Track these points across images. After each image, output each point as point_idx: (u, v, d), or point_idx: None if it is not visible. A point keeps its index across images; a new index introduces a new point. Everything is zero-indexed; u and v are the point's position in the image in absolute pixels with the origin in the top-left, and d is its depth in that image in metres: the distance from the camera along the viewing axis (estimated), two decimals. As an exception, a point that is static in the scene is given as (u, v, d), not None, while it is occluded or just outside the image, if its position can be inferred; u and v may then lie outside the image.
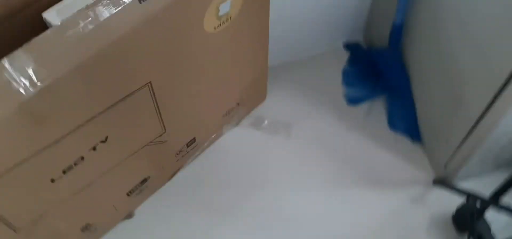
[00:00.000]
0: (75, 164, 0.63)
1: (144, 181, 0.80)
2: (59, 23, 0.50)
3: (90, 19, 0.50)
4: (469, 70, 0.68)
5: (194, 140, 0.84)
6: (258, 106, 0.94)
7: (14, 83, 0.48)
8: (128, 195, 0.79)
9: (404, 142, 0.86)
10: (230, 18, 0.68)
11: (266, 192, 0.83)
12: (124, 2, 0.52)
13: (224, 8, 0.65)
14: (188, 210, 0.83)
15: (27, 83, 0.48)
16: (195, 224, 0.81)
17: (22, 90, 0.48)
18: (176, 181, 0.86)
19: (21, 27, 0.55)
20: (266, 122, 0.91)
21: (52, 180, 0.62)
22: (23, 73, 0.48)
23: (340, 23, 0.99)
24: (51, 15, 0.55)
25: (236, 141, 0.91)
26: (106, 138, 0.64)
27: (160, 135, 0.75)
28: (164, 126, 0.73)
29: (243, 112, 0.90)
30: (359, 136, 0.88)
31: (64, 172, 0.62)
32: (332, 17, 0.96)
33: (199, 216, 0.81)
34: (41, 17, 0.57)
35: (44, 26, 0.57)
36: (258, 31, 0.77)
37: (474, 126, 0.68)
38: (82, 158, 0.63)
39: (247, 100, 0.89)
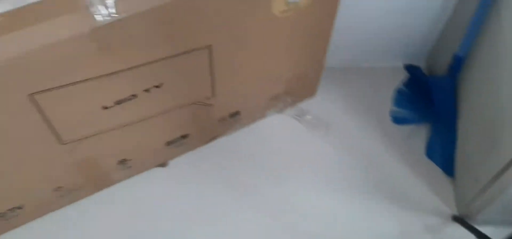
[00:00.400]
0: (128, 99, 0.68)
1: (184, 136, 0.85)
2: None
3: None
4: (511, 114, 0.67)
5: (238, 113, 0.87)
6: (305, 100, 0.96)
7: (93, 8, 0.53)
8: (167, 144, 0.84)
9: (436, 172, 0.86)
10: (298, 7, 0.70)
11: (289, 183, 0.86)
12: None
13: (293, -4, 0.68)
14: (214, 177, 0.87)
15: (104, 12, 0.53)
16: (216, 193, 0.84)
17: (97, 17, 0.53)
18: (212, 147, 0.90)
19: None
20: (308, 116, 0.93)
21: (105, 107, 0.67)
22: (103, 1, 0.53)
23: (406, 44, 0.99)
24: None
25: (276, 127, 0.93)
26: (160, 84, 0.69)
27: (208, 98, 0.78)
28: (213, 90, 0.77)
29: (290, 101, 0.93)
30: (394, 155, 0.88)
31: (116, 103, 0.67)
32: (400, 36, 0.96)
33: (221, 186, 0.85)
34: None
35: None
36: (322, 28, 0.79)
37: (504, 170, 0.68)
38: (135, 96, 0.68)
39: (296, 91, 0.91)
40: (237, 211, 0.82)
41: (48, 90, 0.58)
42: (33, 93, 0.58)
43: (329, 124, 0.93)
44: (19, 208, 0.77)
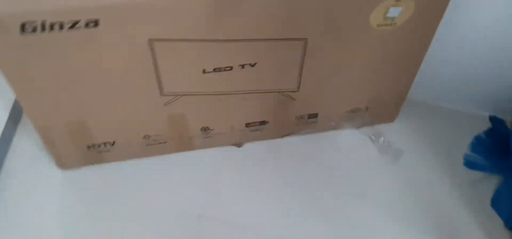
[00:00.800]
0: (224, 69, 0.76)
1: (263, 123, 0.92)
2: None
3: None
4: None
5: (316, 115, 0.93)
6: (382, 124, 0.99)
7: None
8: (246, 125, 0.91)
9: (498, 224, 0.85)
10: (395, 24, 0.75)
11: (351, 198, 0.88)
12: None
13: (393, 12, 0.73)
14: (282, 172, 0.92)
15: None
16: (282, 188, 0.89)
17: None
18: (284, 142, 0.96)
19: None
20: (382, 139, 0.96)
21: (204, 71, 0.76)
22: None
23: (494, 96, 0.99)
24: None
25: (349, 141, 0.97)
26: (255, 64, 0.76)
27: (292, 91, 0.85)
28: (299, 84, 0.83)
29: (368, 120, 0.96)
30: (458, 198, 0.88)
31: (214, 70, 0.76)
32: (490, 87, 0.97)
33: (288, 183, 0.90)
34: None
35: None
36: (414, 51, 0.83)
37: None
38: (231, 68, 0.76)
39: (376, 112, 0.94)
40: (300, 213, 0.86)
41: (165, 40, 0.68)
42: (153, 39, 0.67)
43: (400, 153, 0.95)
44: (112, 144, 0.87)
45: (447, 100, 1.02)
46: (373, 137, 0.97)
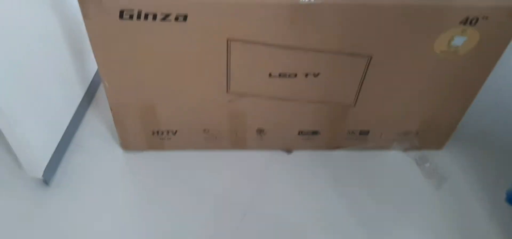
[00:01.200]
0: (289, 76, 0.81)
1: (315, 133, 0.96)
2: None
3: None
4: None
5: (367, 132, 0.96)
6: (430, 150, 1.02)
7: (300, -12, 0.67)
8: (299, 133, 0.96)
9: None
10: (457, 53, 0.78)
11: (393, 219, 0.90)
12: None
13: (457, 41, 0.76)
14: (329, 183, 0.95)
15: (306, -6, 0.68)
16: (327, 197, 0.92)
17: (301, -4, 0.68)
18: (333, 154, 1.00)
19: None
20: (428, 164, 0.98)
21: (270, 75, 0.81)
22: (309, -14, 0.67)
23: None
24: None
25: (395, 162, 1.00)
26: (318, 74, 0.81)
27: (349, 106, 0.89)
28: (356, 100, 0.87)
29: (416, 143, 0.99)
30: (497, 233, 0.89)
31: (280, 75, 0.81)
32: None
33: (334, 194, 0.93)
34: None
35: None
36: (471, 83, 0.85)
37: None
38: (295, 75, 0.81)
39: (426, 137, 0.97)
40: (342, 222, 0.89)
41: (242, 40, 0.74)
42: (231, 38, 0.74)
43: (445, 179, 0.97)
44: (174, 133, 0.94)
45: (497, 133, 1.03)
46: (419, 160, 1.00)
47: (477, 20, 0.72)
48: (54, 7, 0.85)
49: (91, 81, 1.05)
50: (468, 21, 0.73)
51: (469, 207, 0.93)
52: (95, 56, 0.75)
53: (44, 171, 0.86)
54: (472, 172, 0.99)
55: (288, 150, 1.00)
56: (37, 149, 0.84)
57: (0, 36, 0.69)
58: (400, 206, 0.92)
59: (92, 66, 1.07)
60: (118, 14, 0.67)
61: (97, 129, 1.01)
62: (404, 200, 0.93)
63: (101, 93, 1.10)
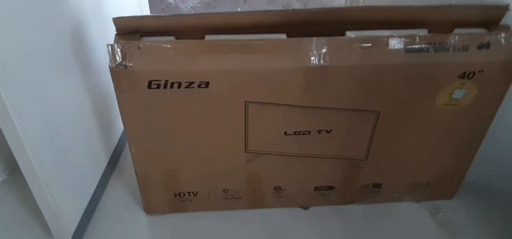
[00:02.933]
0: (303, 133, 0.87)
1: (330, 188, 1.00)
2: (353, 36, 0.76)
3: (371, 43, 0.75)
4: None
5: (380, 185, 1.01)
6: (441, 200, 1.05)
7: (310, 53, 0.75)
8: (315, 189, 1.00)
9: None
10: (458, 105, 0.84)
11: None
12: (395, 49, 0.75)
13: (457, 94, 0.82)
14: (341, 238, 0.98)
15: (316, 58, 0.75)
16: None
17: (311, 59, 0.75)
18: (348, 208, 1.03)
19: (324, 31, 0.82)
20: (441, 214, 1.02)
21: (285, 133, 0.87)
22: (318, 50, 0.75)
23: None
24: (350, 33, 0.81)
25: (408, 213, 1.03)
26: (330, 130, 0.87)
27: (360, 160, 0.94)
28: (367, 154, 0.93)
29: (428, 194, 1.03)
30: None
31: (294, 133, 0.87)
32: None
33: None
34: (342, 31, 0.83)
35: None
36: (474, 133, 0.90)
37: None
38: (309, 132, 0.87)
39: (436, 187, 1.01)
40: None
41: (258, 102, 0.81)
42: (249, 101, 0.80)
43: (458, 229, 1.00)
44: (195, 194, 0.98)
45: (505, 182, 1.07)
46: (432, 211, 1.03)
47: (474, 73, 0.79)
48: (85, 83, 0.93)
49: (114, 150, 1.11)
50: (465, 75, 0.79)
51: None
52: (124, 125, 0.81)
53: (72, 237, 0.90)
54: (484, 220, 1.01)
55: (305, 207, 1.04)
56: (66, 215, 0.88)
57: (40, 108, 0.76)
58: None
59: (115, 136, 1.13)
60: (147, 84, 0.74)
61: (121, 194, 1.06)
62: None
63: (123, 160, 1.16)
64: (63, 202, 0.86)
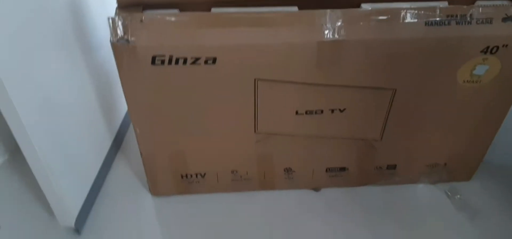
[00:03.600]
0: (315, 112, 0.83)
1: (342, 169, 0.96)
2: (369, 8, 0.71)
3: (389, 16, 0.70)
4: None
5: (394, 166, 0.97)
6: (458, 181, 1.01)
7: (324, 26, 0.70)
8: (326, 170, 0.96)
9: None
10: (480, 82, 0.80)
11: None
12: (414, 22, 0.70)
13: (479, 70, 0.78)
14: (358, 221, 0.94)
15: (330, 32, 0.70)
16: (350, 236, 0.91)
17: (325, 33, 0.70)
18: (361, 191, 1.00)
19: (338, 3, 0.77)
20: (458, 196, 0.98)
21: (297, 113, 0.83)
22: (333, 24, 0.70)
23: None
24: (365, 6, 0.76)
25: (425, 195, 0.99)
26: (344, 109, 0.83)
27: (375, 140, 0.90)
28: (382, 134, 0.88)
29: (445, 176, 0.99)
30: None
31: (306, 112, 0.83)
32: None
33: (363, 232, 0.92)
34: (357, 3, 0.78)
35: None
36: (495, 112, 0.86)
37: None
38: (322, 112, 0.83)
39: (453, 168, 0.97)
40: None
41: (267, 80, 0.76)
42: (258, 78, 0.76)
43: (477, 211, 0.96)
44: (202, 176, 0.95)
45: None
46: (449, 193, 0.99)
47: (497, 48, 0.74)
48: (86, 62, 0.89)
49: (118, 130, 1.08)
50: (488, 50, 0.74)
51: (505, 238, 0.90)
52: (128, 104, 0.78)
53: (76, 220, 0.88)
54: (503, 202, 0.97)
55: (316, 189, 1.01)
56: (70, 198, 0.86)
57: (40, 89, 0.73)
58: (433, 239, 0.90)
59: (119, 116, 1.10)
60: (150, 60, 0.70)
61: (125, 176, 1.03)
62: (438, 234, 0.92)
63: (128, 142, 1.13)
64: (66, 184, 0.83)
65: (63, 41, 0.81)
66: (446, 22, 0.72)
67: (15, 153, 1.08)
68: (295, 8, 0.72)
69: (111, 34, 0.67)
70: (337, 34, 0.70)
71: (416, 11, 0.71)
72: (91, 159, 0.97)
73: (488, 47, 0.74)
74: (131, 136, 1.16)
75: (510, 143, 0.99)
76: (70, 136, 0.85)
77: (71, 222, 0.87)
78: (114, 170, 1.05)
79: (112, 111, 1.05)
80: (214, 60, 0.72)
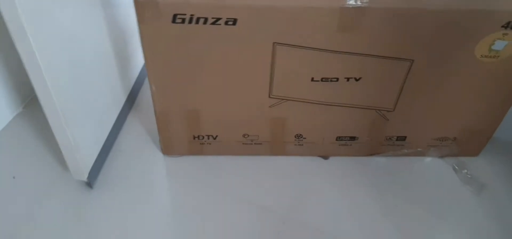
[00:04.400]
0: (331, 80, 0.83)
1: (353, 138, 0.97)
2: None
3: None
4: None
5: (404, 138, 0.97)
6: (466, 156, 1.02)
7: (348, -7, 0.70)
8: (337, 139, 0.97)
9: None
10: (497, 57, 0.80)
11: (423, 222, 0.89)
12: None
13: (498, 45, 0.78)
14: (362, 189, 0.95)
15: (353, -2, 0.70)
16: (364, 203, 0.92)
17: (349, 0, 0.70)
18: (370, 161, 1.01)
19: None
20: (465, 170, 0.99)
21: (312, 79, 0.83)
22: (356, -10, 0.70)
23: None
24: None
25: (432, 168, 1.00)
26: (359, 78, 0.83)
27: (388, 110, 0.90)
28: (396, 104, 0.89)
29: (454, 150, 1.00)
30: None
31: (322, 79, 0.83)
32: None
33: (370, 201, 0.93)
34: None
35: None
36: (507, 91, 0.86)
37: None
38: (337, 79, 0.83)
39: (462, 143, 0.98)
40: (380, 228, 0.88)
41: (287, 45, 0.76)
42: (277, 42, 0.76)
43: (483, 186, 0.97)
44: (214, 138, 0.96)
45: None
46: (456, 167, 1.00)
47: (518, 24, 0.73)
48: (106, 18, 0.89)
49: (132, 88, 1.08)
50: (509, 25, 0.74)
51: (510, 214, 0.92)
52: (146, 60, 0.78)
53: (89, 174, 0.89)
54: (509, 179, 0.98)
55: (325, 157, 1.02)
56: (84, 152, 0.87)
57: (63, 42, 0.73)
58: (440, 213, 0.92)
59: (133, 74, 1.10)
60: (171, 18, 0.70)
61: (138, 133, 1.04)
62: (444, 207, 0.93)
63: (141, 99, 1.14)
64: (81, 138, 0.84)
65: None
66: (469, -5, 0.71)
67: (31, 104, 1.09)
68: (318, -28, 0.71)
69: (135, -11, 0.67)
70: (360, 1, 0.70)
71: (439, -18, 0.70)
72: (107, 114, 0.97)
73: (509, 22, 0.74)
74: (144, 96, 1.16)
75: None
76: (87, 87, 0.85)
77: (84, 176, 0.89)
78: (127, 128, 1.06)
79: (127, 68, 1.06)
80: (235, 22, 0.72)
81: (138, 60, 0.77)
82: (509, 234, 0.89)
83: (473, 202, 0.94)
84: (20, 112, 1.09)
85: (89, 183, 0.91)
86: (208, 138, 0.95)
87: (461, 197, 0.95)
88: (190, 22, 0.71)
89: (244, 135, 0.95)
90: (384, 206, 0.92)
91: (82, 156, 0.87)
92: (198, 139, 0.95)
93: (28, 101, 1.09)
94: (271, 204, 0.91)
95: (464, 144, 0.98)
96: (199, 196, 0.92)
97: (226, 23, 0.72)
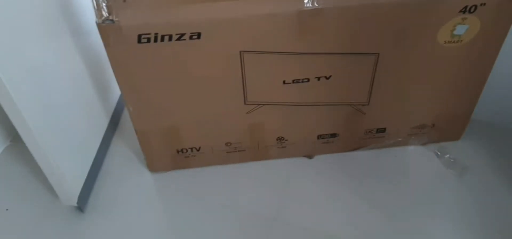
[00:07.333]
0: (302, 81, 0.85)
1: (333, 135, 0.99)
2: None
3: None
4: None
5: (384, 130, 0.99)
6: (448, 141, 1.03)
7: (304, -4, 0.72)
8: (318, 137, 0.99)
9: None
10: (461, 41, 0.81)
11: (409, 210, 0.91)
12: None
13: (459, 30, 0.79)
14: (351, 185, 0.97)
15: (310, 1, 0.72)
16: (349, 199, 0.94)
17: (305, 2, 0.72)
18: (353, 156, 1.02)
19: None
20: (448, 155, 1.00)
21: (284, 82, 0.85)
22: (312, -8, 0.72)
23: None
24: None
25: (415, 156, 1.02)
26: (330, 76, 0.85)
27: (363, 105, 0.92)
28: (369, 98, 0.90)
29: (434, 136, 1.01)
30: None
31: (293, 81, 0.85)
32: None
33: (355, 195, 0.94)
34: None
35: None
36: (478, 71, 0.87)
37: None
38: (308, 80, 0.85)
39: (442, 128, 0.99)
40: (367, 222, 0.90)
41: (254, 52, 0.78)
42: (244, 50, 0.78)
43: (466, 169, 0.98)
44: (198, 149, 0.98)
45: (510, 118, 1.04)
46: (438, 153, 1.01)
47: (475, 7, 0.75)
48: (77, 46, 0.92)
49: (114, 110, 1.11)
50: (467, 9, 0.76)
51: (493, 194, 0.93)
52: (118, 82, 0.80)
53: (78, 199, 0.91)
54: (492, 159, 1.00)
55: (309, 156, 1.03)
56: (71, 178, 0.89)
57: (33, 75, 0.75)
58: (426, 199, 0.93)
59: (114, 97, 1.13)
60: (136, 39, 0.73)
61: (124, 154, 1.06)
62: (429, 193, 0.95)
63: (124, 120, 1.16)
64: (66, 166, 0.86)
65: (52, 26, 0.83)
66: (424, -16, 0.73)
67: (17, 139, 1.11)
68: (275, -21, 0.74)
69: (96, 15, 0.69)
70: (316, 2, 0.72)
71: (393, -25, 0.72)
72: (90, 139, 1.00)
73: (466, 7, 0.75)
74: (126, 117, 1.19)
75: (498, 101, 1.00)
76: (66, 118, 0.88)
77: (74, 201, 0.91)
78: (112, 149, 1.08)
79: (107, 92, 1.08)
80: (199, 35, 0.74)
81: (117, 82, 0.80)
82: (492, 210, 0.91)
83: (457, 184, 0.95)
84: (8, 146, 1.11)
85: (80, 208, 0.93)
86: (192, 151, 0.97)
87: (445, 181, 0.97)
88: (155, 40, 0.73)
89: (226, 144, 0.97)
90: (372, 198, 0.94)
91: (70, 183, 0.89)
92: (182, 152, 0.97)
93: (15, 134, 1.12)
94: (259, 209, 0.93)
95: (444, 129, 0.99)
96: (190, 210, 0.94)
97: (190, 37, 0.74)
